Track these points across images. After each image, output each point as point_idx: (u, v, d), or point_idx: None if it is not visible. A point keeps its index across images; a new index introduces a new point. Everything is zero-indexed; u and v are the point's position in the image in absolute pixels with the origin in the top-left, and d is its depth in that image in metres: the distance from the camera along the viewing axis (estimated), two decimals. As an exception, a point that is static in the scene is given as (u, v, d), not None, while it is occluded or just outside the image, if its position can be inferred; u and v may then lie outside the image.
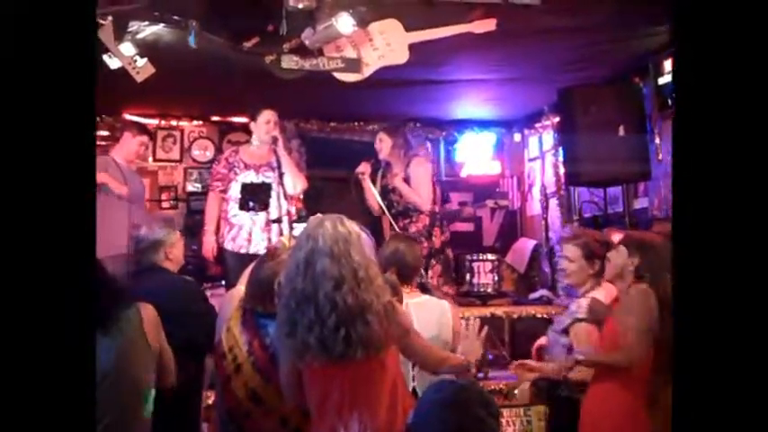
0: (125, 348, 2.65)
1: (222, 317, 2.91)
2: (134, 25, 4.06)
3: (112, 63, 4.21)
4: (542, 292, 6.01)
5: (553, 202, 6.71)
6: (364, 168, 5.18)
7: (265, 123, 4.90)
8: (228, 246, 4.91)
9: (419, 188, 5.20)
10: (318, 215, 2.52)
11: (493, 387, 4.22)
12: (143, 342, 2.71)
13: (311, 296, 2.29)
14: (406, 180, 5.21)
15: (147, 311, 2.78)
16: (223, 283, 5.59)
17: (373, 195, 5.28)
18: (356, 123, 7.27)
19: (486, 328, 2.67)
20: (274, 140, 4.76)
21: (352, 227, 2.45)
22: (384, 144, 5.26)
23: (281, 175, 4.66)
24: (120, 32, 3.99)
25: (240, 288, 2.94)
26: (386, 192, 5.29)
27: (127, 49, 4.11)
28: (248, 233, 4.88)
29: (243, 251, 4.86)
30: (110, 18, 3.85)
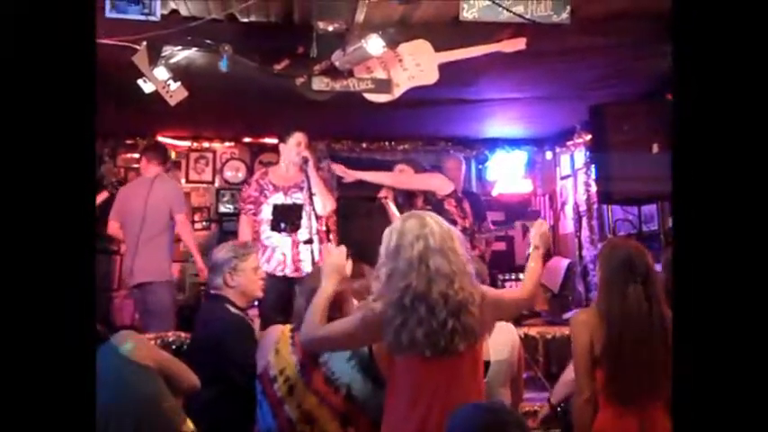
0: (114, 379, 2.65)
1: (264, 346, 2.89)
2: (167, 50, 4.12)
3: (147, 87, 4.29)
4: (577, 311, 5.92)
5: (586, 221, 6.64)
6: (386, 192, 5.15)
7: (296, 145, 4.91)
8: (263, 267, 4.92)
9: None
10: (405, 214, 2.58)
11: (527, 409, 4.15)
12: (132, 367, 2.69)
13: (425, 293, 2.35)
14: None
15: (121, 338, 2.76)
16: (255, 303, 5.61)
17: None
18: (387, 143, 7.30)
19: None
20: (305, 161, 4.78)
21: (446, 223, 2.54)
22: (405, 174, 5.18)
23: (311, 196, 4.68)
24: (154, 57, 4.05)
25: (280, 327, 2.95)
26: None
27: (161, 73, 4.18)
28: (282, 254, 4.89)
29: (277, 273, 4.87)
30: (144, 43, 3.92)
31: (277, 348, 2.79)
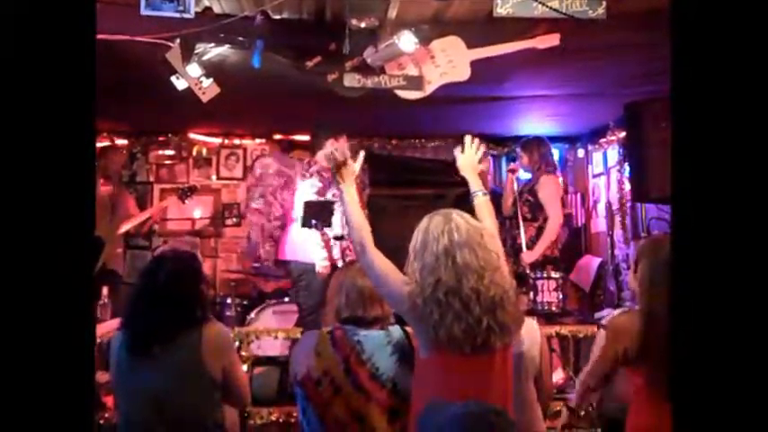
0: (174, 375, 2.74)
1: (301, 352, 2.87)
2: (200, 47, 4.14)
3: (179, 84, 4.31)
4: (608, 311, 5.85)
5: (619, 219, 6.56)
6: (516, 167, 5.47)
7: (324, 139, 4.93)
8: (302, 258, 4.96)
9: (548, 206, 5.37)
10: (432, 213, 2.56)
11: (558, 409, 4.11)
12: (196, 368, 2.76)
13: (456, 288, 2.37)
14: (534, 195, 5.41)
15: (210, 333, 2.82)
16: (286, 299, 5.63)
17: (512, 194, 5.48)
18: (418, 140, 7.28)
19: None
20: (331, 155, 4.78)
21: (474, 220, 2.55)
22: (522, 160, 5.50)
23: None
24: (188, 54, 4.07)
25: (315, 331, 2.94)
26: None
27: (193, 70, 4.19)
28: (320, 245, 4.92)
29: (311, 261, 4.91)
30: (177, 40, 3.94)
31: (318, 351, 2.75)
